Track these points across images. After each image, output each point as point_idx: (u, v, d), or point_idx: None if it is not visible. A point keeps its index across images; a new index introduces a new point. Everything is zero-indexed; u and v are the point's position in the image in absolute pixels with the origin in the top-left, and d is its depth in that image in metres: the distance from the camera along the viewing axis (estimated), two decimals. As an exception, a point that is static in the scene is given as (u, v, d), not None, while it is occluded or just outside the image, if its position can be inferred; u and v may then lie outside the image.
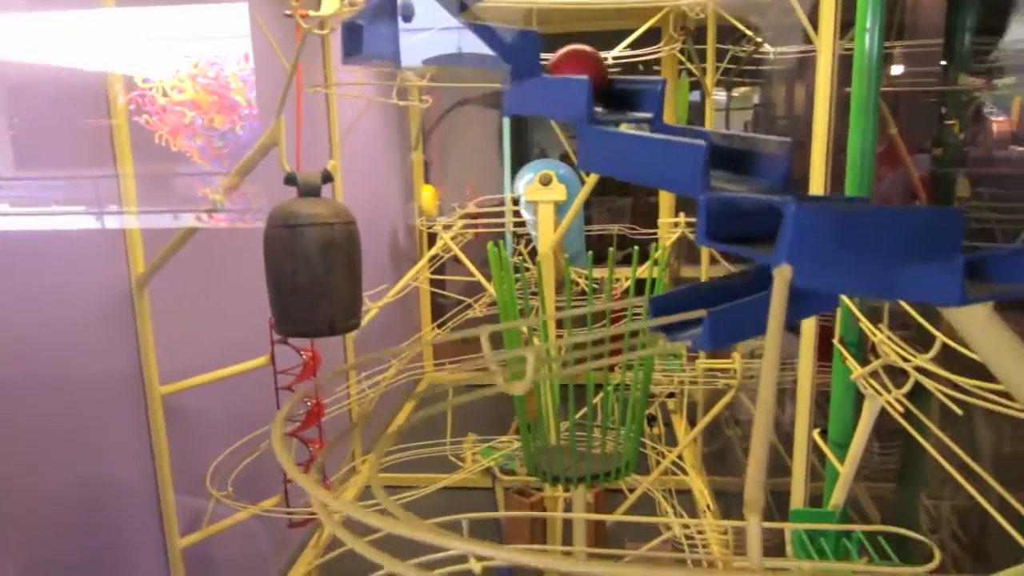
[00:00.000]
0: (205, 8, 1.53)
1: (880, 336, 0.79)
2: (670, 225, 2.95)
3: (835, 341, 0.95)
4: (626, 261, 2.81)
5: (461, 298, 2.85)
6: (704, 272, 2.70)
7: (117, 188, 1.34)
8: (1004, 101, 2.50)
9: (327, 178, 1.01)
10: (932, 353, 0.76)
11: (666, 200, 3.22)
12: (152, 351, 1.41)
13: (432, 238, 2.96)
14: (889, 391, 0.85)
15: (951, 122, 2.25)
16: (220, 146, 1.32)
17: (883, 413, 0.88)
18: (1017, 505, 0.67)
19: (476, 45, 0.51)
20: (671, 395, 2.99)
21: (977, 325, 0.41)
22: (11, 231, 1.21)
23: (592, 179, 1.93)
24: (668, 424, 3.10)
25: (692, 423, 2.73)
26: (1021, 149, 2.54)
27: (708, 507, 2.06)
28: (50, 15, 1.21)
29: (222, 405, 1.69)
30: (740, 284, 0.54)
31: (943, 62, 1.90)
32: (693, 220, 2.79)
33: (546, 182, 1.88)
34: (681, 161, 0.38)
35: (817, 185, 1.04)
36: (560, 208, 1.94)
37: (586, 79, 0.46)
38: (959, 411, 0.71)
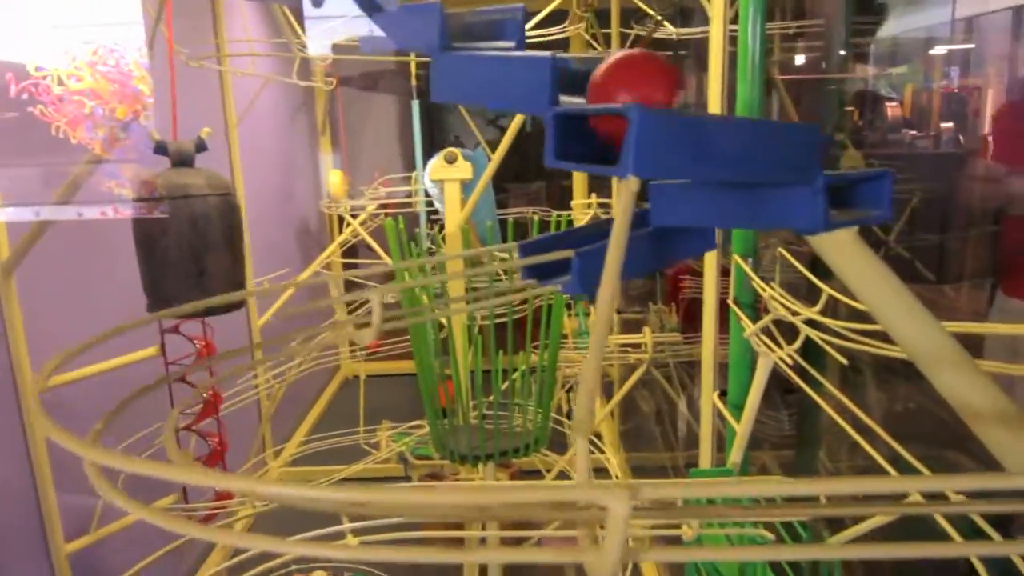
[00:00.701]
0: None
1: (769, 291, 0.79)
2: (583, 206, 2.96)
3: (730, 302, 0.96)
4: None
5: (375, 285, 2.78)
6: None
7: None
8: (899, 89, 2.62)
9: (201, 147, 0.94)
10: (819, 306, 0.76)
11: (579, 183, 3.23)
12: (23, 342, 1.30)
13: (344, 225, 2.88)
14: (781, 348, 0.85)
15: (850, 108, 2.35)
16: (123, 137, 1.23)
17: (786, 382, 0.88)
18: (909, 457, 0.68)
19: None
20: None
21: (842, 252, 0.40)
22: None
23: (498, 156, 1.90)
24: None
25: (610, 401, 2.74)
26: (911, 132, 2.67)
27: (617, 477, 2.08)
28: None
29: (109, 400, 1.58)
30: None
31: (842, 52, 1.96)
32: (606, 201, 2.82)
33: (451, 160, 1.84)
34: (528, 77, 0.35)
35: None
36: (467, 187, 1.90)
37: (434, 3, 0.42)
38: (844, 360, 0.72)
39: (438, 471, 1.77)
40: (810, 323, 0.82)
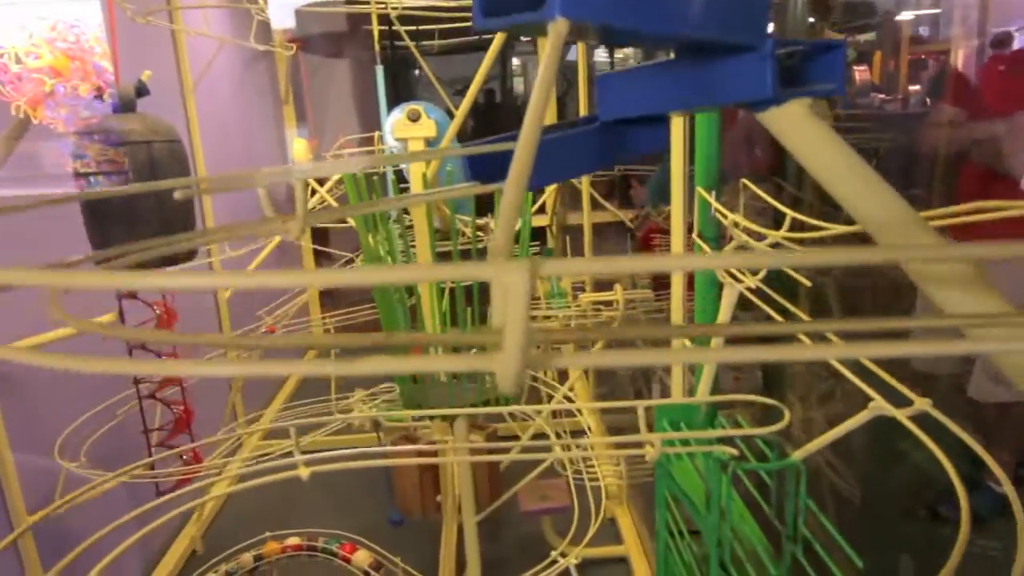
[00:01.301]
0: None
1: (732, 217, 0.77)
2: (554, 169, 2.93)
3: (694, 236, 0.94)
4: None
5: (344, 254, 2.74)
6: (586, 217, 2.70)
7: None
8: (867, 56, 2.62)
9: (141, 91, 0.90)
10: (783, 230, 0.74)
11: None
12: (-28, 310, 1.26)
13: (312, 194, 2.82)
14: (744, 281, 0.83)
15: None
16: (87, 116, 1.18)
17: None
18: (868, 363, 0.67)
19: None
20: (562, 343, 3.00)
21: (796, 126, 0.38)
22: None
23: (462, 111, 1.87)
24: (563, 373, 3.12)
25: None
26: (880, 96, 2.68)
27: (588, 428, 2.08)
28: None
29: (65, 369, 1.53)
30: (566, 128, 0.50)
31: (811, 18, 1.95)
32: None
33: (414, 118, 1.80)
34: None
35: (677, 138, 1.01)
36: (430, 145, 1.86)
37: None
38: (807, 282, 0.70)
39: (410, 433, 1.75)
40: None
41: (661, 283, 1.98)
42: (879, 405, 0.55)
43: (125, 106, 0.90)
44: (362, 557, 1.58)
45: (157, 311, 1.50)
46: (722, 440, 0.61)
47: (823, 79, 0.40)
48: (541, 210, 3.01)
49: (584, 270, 0.24)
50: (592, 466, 1.97)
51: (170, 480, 1.55)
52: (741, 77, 0.37)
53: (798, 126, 0.38)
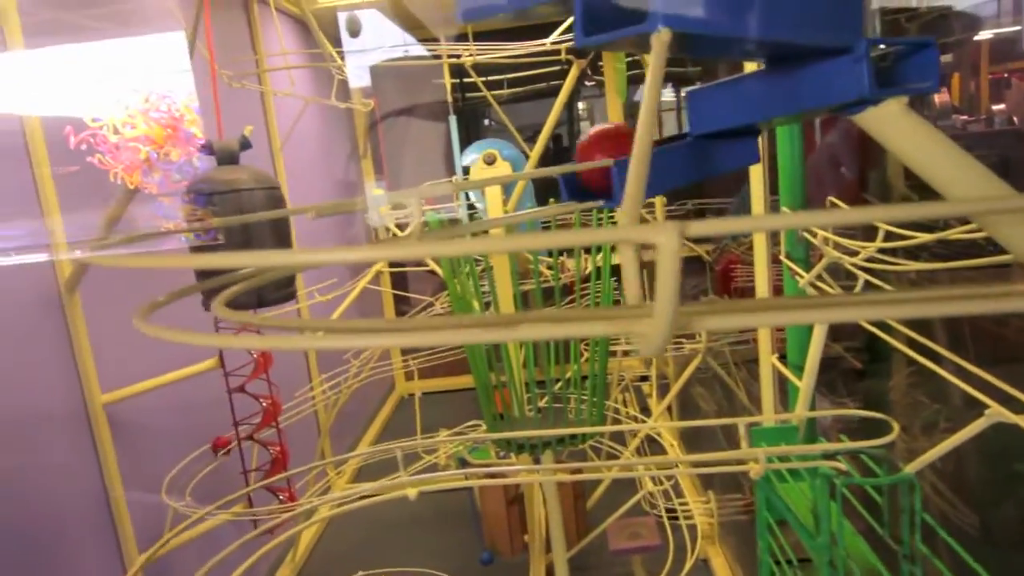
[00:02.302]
0: (144, 40, 1.52)
1: (822, 234, 0.76)
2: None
3: (782, 258, 0.93)
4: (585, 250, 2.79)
5: (422, 298, 2.80)
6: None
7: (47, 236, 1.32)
8: (945, 79, 2.56)
9: (245, 144, 0.97)
10: (877, 243, 0.73)
11: (621, 184, 3.22)
12: (89, 357, 1.35)
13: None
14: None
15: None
16: (178, 179, 1.28)
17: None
18: (976, 369, 0.64)
19: None
20: (643, 379, 2.97)
21: (894, 125, 0.38)
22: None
23: (536, 153, 1.91)
24: (645, 409, 3.07)
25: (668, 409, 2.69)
26: (963, 117, 2.61)
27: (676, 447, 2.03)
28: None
29: (172, 411, 1.62)
30: (657, 145, 0.51)
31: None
32: (648, 200, 2.79)
33: (490, 161, 1.85)
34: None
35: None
36: (507, 188, 1.91)
37: None
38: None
39: (496, 472, 1.76)
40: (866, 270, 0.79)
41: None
42: (997, 411, 0.53)
43: (229, 159, 0.96)
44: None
45: (255, 355, 1.56)
46: (827, 458, 0.60)
47: (918, 79, 0.40)
48: (613, 248, 3.01)
49: (731, 228, 0.25)
50: (683, 504, 1.92)
51: (269, 518, 1.60)
52: (836, 79, 0.38)
53: (897, 124, 0.38)
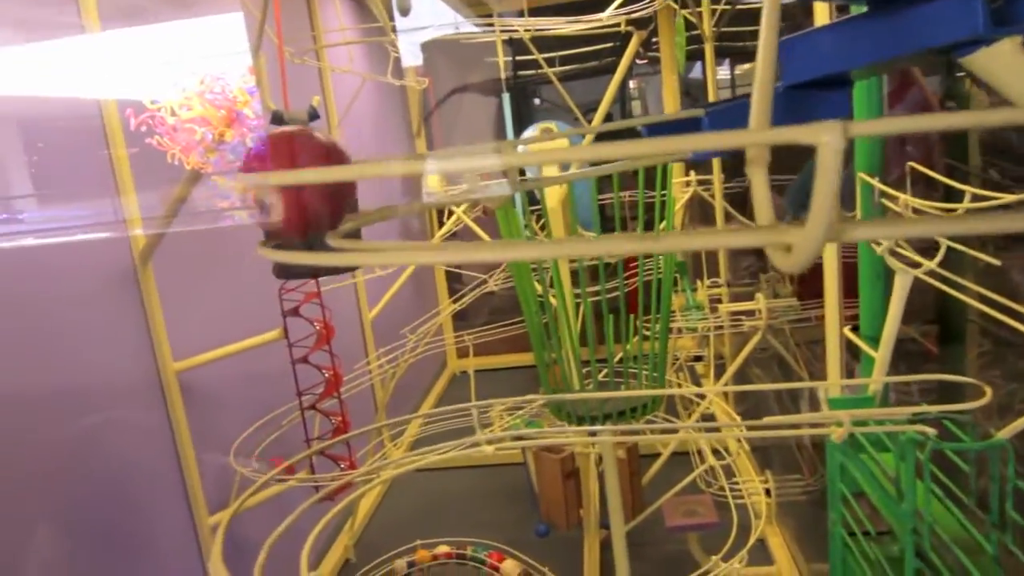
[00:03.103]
0: (201, 22, 1.55)
1: (904, 198, 0.74)
2: (682, 185, 2.90)
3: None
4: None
5: (476, 275, 2.82)
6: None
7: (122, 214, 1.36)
8: None
9: (313, 115, 0.98)
10: (963, 206, 0.71)
11: (677, 165, 3.17)
12: (162, 327, 1.40)
13: (441, 219, 2.94)
14: (918, 266, 0.80)
15: (961, 74, 2.21)
16: (232, 159, 1.32)
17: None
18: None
19: None
20: (698, 358, 2.93)
21: (1007, 64, 0.37)
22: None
23: (598, 119, 1.89)
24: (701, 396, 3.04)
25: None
26: None
27: (739, 440, 2.01)
28: (34, 46, 1.25)
29: (239, 380, 1.67)
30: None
31: None
32: (705, 178, 2.74)
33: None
34: None
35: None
36: (565, 164, 1.90)
37: None
38: (996, 261, 0.66)
39: (553, 444, 1.77)
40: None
41: (806, 290, 1.90)
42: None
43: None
44: (510, 566, 1.60)
45: (317, 327, 1.60)
46: (912, 424, 0.58)
47: (1035, 17, 0.38)
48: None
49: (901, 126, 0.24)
50: (741, 483, 1.90)
51: (331, 485, 1.64)
52: (948, 17, 0.36)
53: (1011, 64, 0.36)
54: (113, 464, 1.31)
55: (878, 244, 0.82)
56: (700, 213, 3.03)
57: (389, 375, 2.12)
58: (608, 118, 5.34)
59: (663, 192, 1.33)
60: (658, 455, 2.05)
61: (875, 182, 0.86)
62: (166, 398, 1.42)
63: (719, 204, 2.44)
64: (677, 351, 2.87)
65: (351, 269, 1.07)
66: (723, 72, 4.91)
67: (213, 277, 1.67)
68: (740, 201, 3.24)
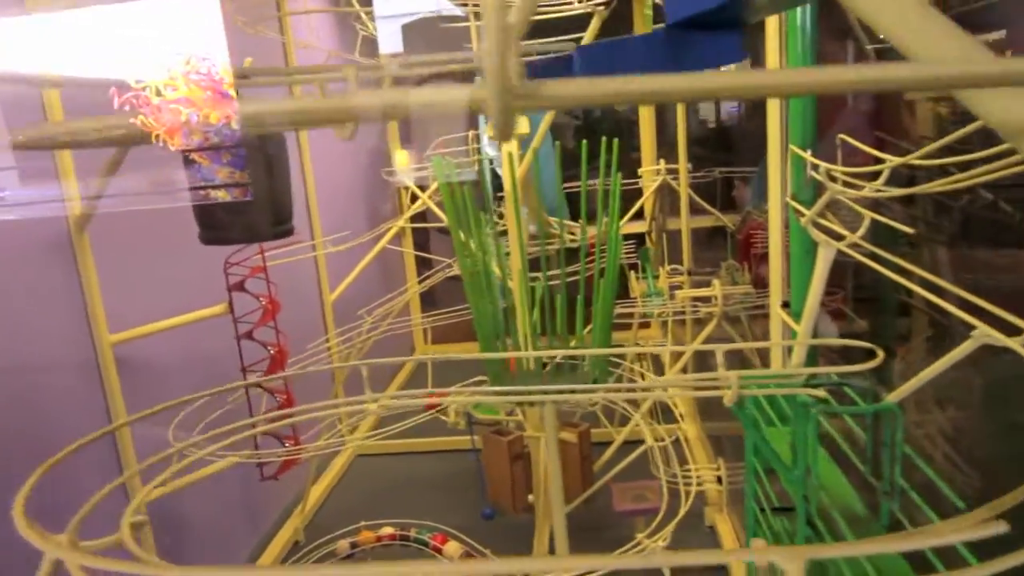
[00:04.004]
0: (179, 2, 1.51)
1: (825, 167, 0.72)
2: (652, 173, 2.88)
3: (788, 199, 0.89)
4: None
5: (443, 259, 2.79)
6: (684, 221, 2.64)
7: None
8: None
9: (243, 76, 0.95)
10: (881, 180, 0.69)
11: (647, 152, 3.16)
12: (98, 297, 1.36)
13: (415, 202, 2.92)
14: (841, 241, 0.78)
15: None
16: (217, 142, 1.29)
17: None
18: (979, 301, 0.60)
19: None
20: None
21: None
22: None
23: (551, 112, 1.87)
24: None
25: (683, 371, 2.65)
26: None
27: (681, 414, 2.00)
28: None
29: (182, 355, 1.63)
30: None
31: None
32: (673, 166, 2.73)
33: (508, 115, 1.81)
34: None
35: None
36: (525, 142, 1.88)
37: None
38: (909, 230, 0.65)
39: (502, 428, 1.75)
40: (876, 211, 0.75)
41: (763, 281, 1.89)
42: (984, 332, 0.49)
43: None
44: (452, 548, 1.58)
45: (263, 302, 1.57)
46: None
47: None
48: (640, 216, 2.96)
49: None
50: (692, 470, 1.89)
51: (274, 463, 1.62)
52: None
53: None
54: (43, 434, 1.28)
55: (801, 215, 0.80)
56: (671, 202, 3.02)
57: (345, 356, 2.09)
58: (588, 110, 5.28)
59: (607, 181, 1.30)
60: (612, 441, 2.04)
61: (807, 155, 0.85)
62: (101, 370, 1.39)
63: (684, 192, 2.43)
64: (640, 340, 2.86)
65: (286, 235, 1.04)
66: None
67: (156, 249, 1.64)
68: (710, 192, 3.24)
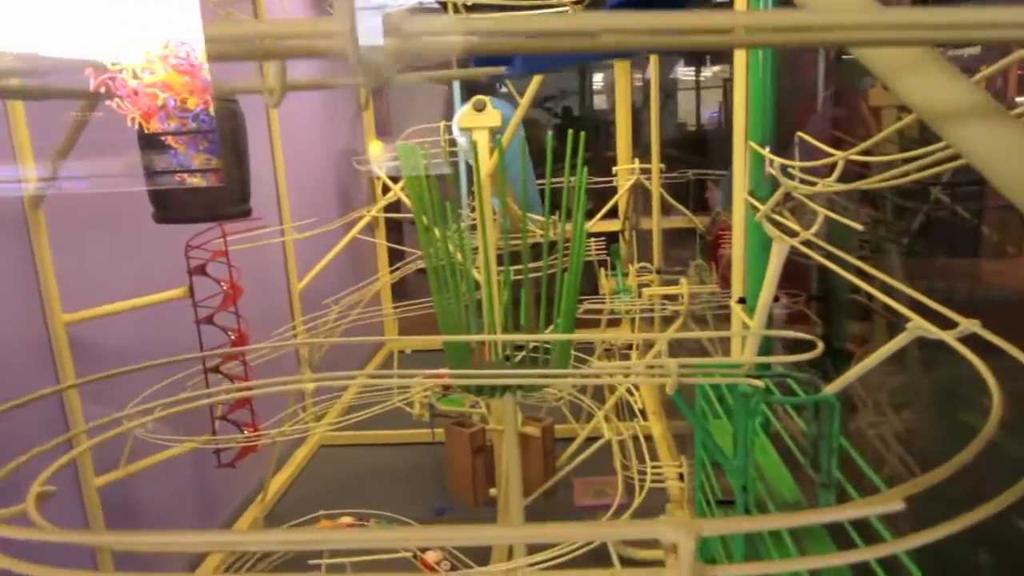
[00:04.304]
0: None
1: (779, 161, 0.72)
2: (627, 172, 2.89)
3: (746, 195, 0.89)
4: (585, 215, 2.74)
5: (415, 251, 2.78)
6: (655, 221, 2.65)
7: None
8: (972, 70, 2.50)
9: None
10: (834, 176, 0.70)
11: (623, 151, 3.17)
12: (51, 275, 1.33)
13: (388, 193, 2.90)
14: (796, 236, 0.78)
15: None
16: (194, 127, 1.26)
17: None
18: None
19: None
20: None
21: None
22: None
23: (527, 98, 1.86)
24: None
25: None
26: None
27: (641, 410, 2.00)
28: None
29: (140, 339, 1.60)
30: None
31: None
32: (647, 166, 2.74)
33: (480, 108, 1.80)
34: None
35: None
36: (496, 136, 1.87)
37: None
38: (860, 227, 0.65)
39: (464, 420, 1.74)
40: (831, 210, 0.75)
41: (728, 280, 1.90)
42: (918, 324, 0.50)
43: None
44: (433, 555, 1.57)
45: (224, 287, 1.55)
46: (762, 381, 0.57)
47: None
48: (614, 214, 2.97)
49: None
50: (656, 467, 1.90)
51: (232, 450, 1.59)
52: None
53: None
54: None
55: (756, 210, 0.81)
56: (644, 202, 3.04)
57: (316, 346, 2.07)
58: (567, 110, 5.29)
59: (572, 178, 1.29)
60: (575, 437, 2.04)
61: (765, 152, 0.85)
62: (53, 351, 1.36)
63: (656, 191, 2.44)
64: (611, 341, 2.86)
65: (242, 215, 1.03)
66: (682, 73, 4.95)
67: (116, 230, 1.61)
68: (682, 193, 3.25)
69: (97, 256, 1.53)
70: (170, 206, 0.95)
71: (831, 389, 0.55)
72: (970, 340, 0.52)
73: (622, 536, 0.24)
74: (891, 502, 0.24)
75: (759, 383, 0.54)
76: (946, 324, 0.54)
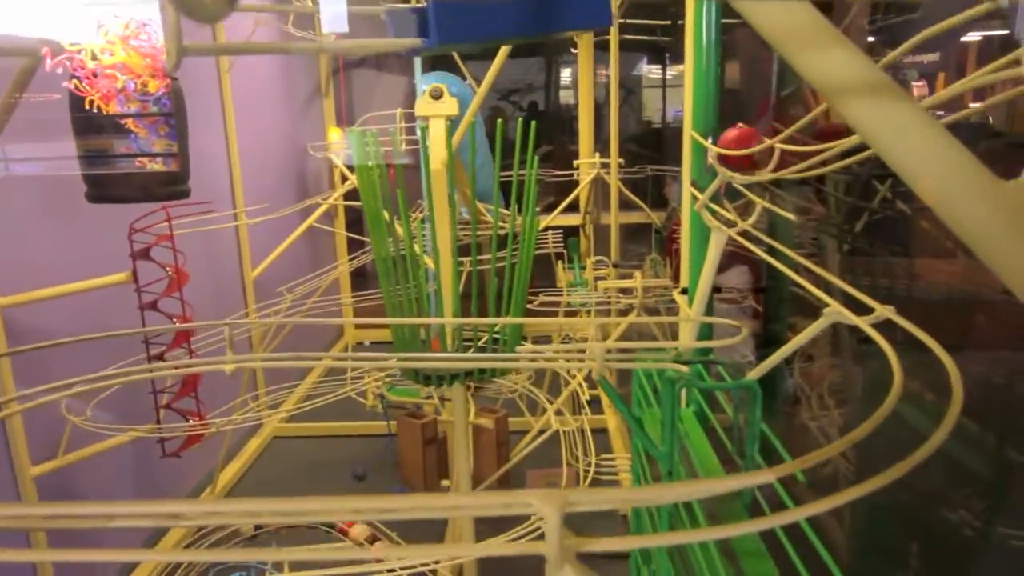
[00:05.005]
0: None
1: (715, 150, 0.73)
2: (588, 166, 2.90)
3: (688, 186, 0.90)
4: (547, 209, 2.74)
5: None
6: (613, 216, 2.66)
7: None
8: (932, 77, 2.55)
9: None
10: (771, 165, 0.70)
11: (585, 145, 3.17)
12: (-14, 258, 1.29)
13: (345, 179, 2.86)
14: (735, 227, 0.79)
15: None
16: (155, 111, 1.22)
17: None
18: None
19: None
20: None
21: None
22: None
23: (483, 89, 1.85)
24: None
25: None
26: (938, 112, 2.61)
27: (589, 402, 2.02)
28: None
29: (81, 324, 1.56)
30: None
31: (871, 38, 1.93)
32: (606, 160, 2.75)
33: (437, 96, 1.79)
34: None
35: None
36: (454, 124, 1.85)
37: None
38: (793, 216, 0.66)
39: (415, 411, 1.73)
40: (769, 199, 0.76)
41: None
42: (835, 310, 0.50)
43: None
44: (359, 531, 1.56)
45: (169, 272, 1.51)
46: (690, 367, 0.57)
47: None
48: (575, 208, 2.97)
49: None
50: (610, 460, 1.91)
51: (176, 440, 1.56)
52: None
53: None
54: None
55: (695, 200, 0.81)
56: (604, 197, 3.05)
57: (263, 334, 2.04)
58: (533, 105, 5.28)
59: (522, 172, 1.28)
60: (529, 430, 2.04)
61: (707, 143, 0.85)
62: (-13, 338, 1.31)
63: (614, 185, 2.45)
64: (571, 332, 2.87)
65: (179, 196, 1.00)
66: (647, 71, 5.00)
67: (57, 213, 1.56)
68: (641, 189, 3.27)
69: (36, 239, 1.49)
70: (104, 184, 0.92)
71: (753, 375, 0.56)
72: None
73: (489, 511, 0.23)
74: (763, 475, 0.24)
75: (684, 368, 0.54)
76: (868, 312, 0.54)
